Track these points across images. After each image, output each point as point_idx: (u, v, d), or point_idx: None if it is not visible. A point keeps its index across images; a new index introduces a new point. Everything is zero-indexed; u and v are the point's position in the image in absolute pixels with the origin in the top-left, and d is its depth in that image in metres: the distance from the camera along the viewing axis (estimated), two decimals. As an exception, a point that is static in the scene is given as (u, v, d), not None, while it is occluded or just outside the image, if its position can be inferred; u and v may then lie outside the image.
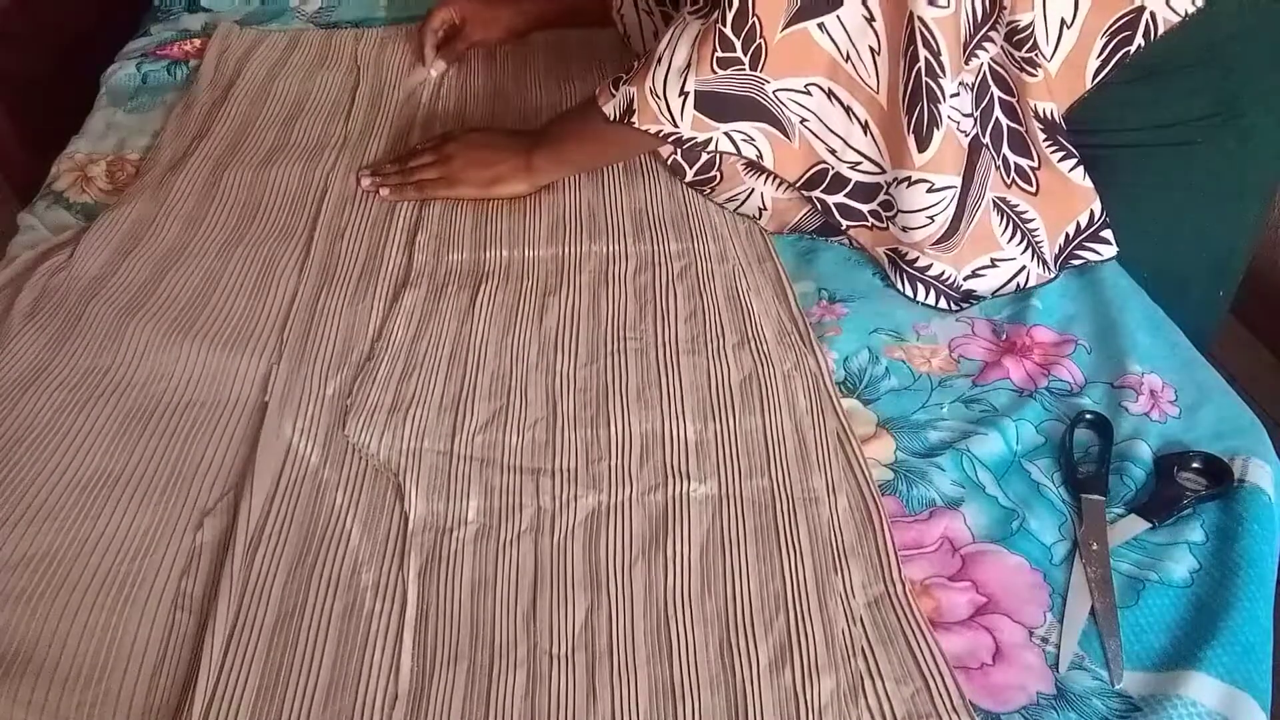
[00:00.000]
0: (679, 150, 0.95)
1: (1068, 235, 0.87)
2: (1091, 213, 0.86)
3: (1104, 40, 0.81)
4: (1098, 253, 0.87)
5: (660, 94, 0.83)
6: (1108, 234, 0.86)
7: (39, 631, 0.62)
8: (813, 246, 0.95)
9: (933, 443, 0.75)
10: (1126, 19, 0.80)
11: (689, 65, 0.82)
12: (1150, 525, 0.69)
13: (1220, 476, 0.71)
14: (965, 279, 0.86)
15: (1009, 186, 0.86)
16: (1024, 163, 0.85)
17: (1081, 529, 0.68)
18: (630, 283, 0.89)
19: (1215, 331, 1.01)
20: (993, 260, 0.86)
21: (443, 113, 1.14)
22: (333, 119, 1.12)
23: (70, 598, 0.64)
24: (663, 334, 0.83)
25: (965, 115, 0.81)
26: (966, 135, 0.81)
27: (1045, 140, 0.83)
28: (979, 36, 0.79)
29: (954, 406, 0.78)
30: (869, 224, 0.88)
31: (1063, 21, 0.80)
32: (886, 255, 0.89)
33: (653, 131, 0.86)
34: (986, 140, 0.83)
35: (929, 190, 0.80)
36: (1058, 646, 0.62)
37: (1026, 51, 0.79)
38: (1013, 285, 0.87)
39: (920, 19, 0.75)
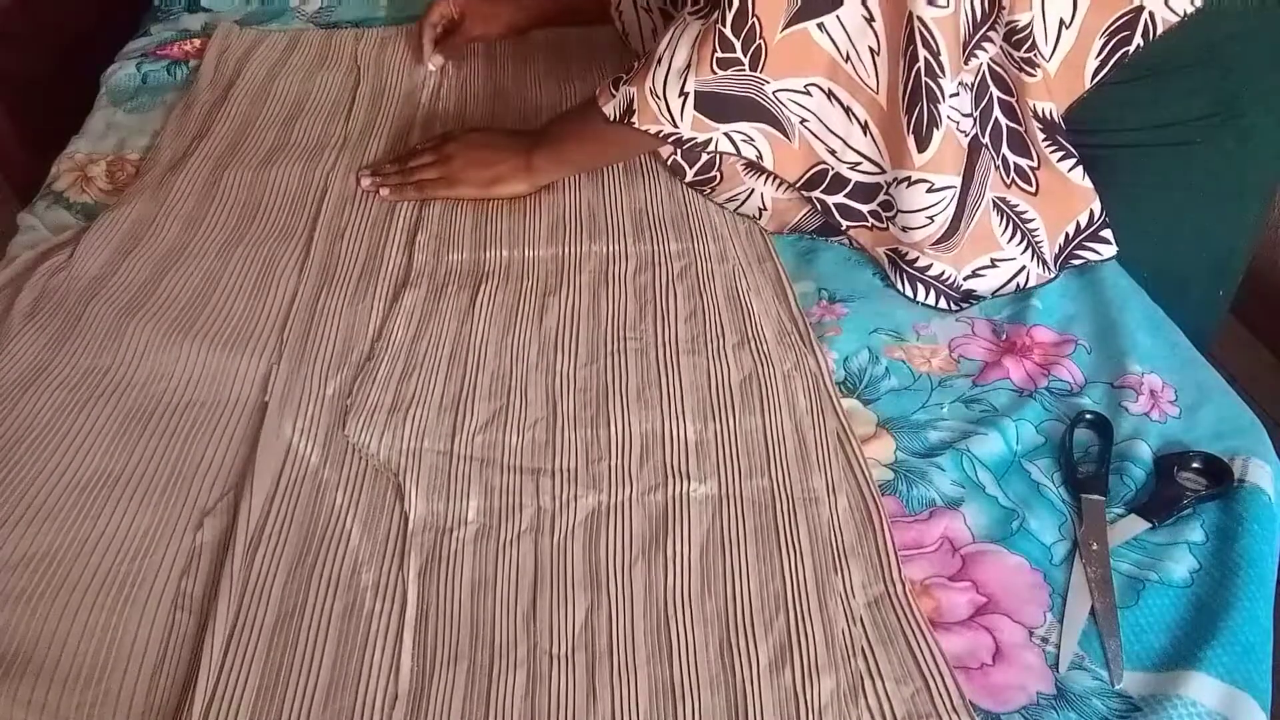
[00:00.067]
0: (679, 150, 0.95)
1: (1067, 235, 0.87)
2: (1091, 212, 0.86)
3: (1103, 40, 0.81)
4: (1097, 252, 0.87)
5: (660, 94, 0.83)
6: (1107, 233, 0.86)
7: (39, 631, 0.62)
8: (813, 246, 0.95)
9: (933, 443, 0.75)
10: (1125, 19, 0.80)
11: (689, 66, 0.82)
12: (1150, 525, 0.69)
13: (1220, 476, 0.71)
14: (965, 279, 0.86)
15: (1009, 186, 0.86)
16: (1023, 163, 0.85)
17: (1081, 529, 0.68)
18: (630, 283, 0.89)
19: (1215, 331, 1.01)
20: (993, 260, 0.86)
21: (443, 113, 1.14)
22: (333, 119, 1.12)
23: (70, 598, 0.64)
24: (663, 334, 0.83)
25: (965, 115, 0.81)
26: (966, 135, 0.81)
27: (1045, 140, 0.83)
28: (978, 36, 0.79)
29: (954, 406, 0.78)
30: (869, 224, 0.88)
31: (1061, 21, 0.80)
32: (886, 255, 0.89)
33: (653, 132, 0.86)
34: (986, 140, 0.83)
35: (929, 190, 0.80)
36: (1058, 646, 0.62)
37: (1025, 51, 0.79)
38: (1013, 285, 0.87)
39: (920, 19, 0.75)
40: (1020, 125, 0.84)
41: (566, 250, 0.93)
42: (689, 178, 0.97)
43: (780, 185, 0.92)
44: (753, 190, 0.94)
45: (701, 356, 0.81)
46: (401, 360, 0.81)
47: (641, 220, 0.96)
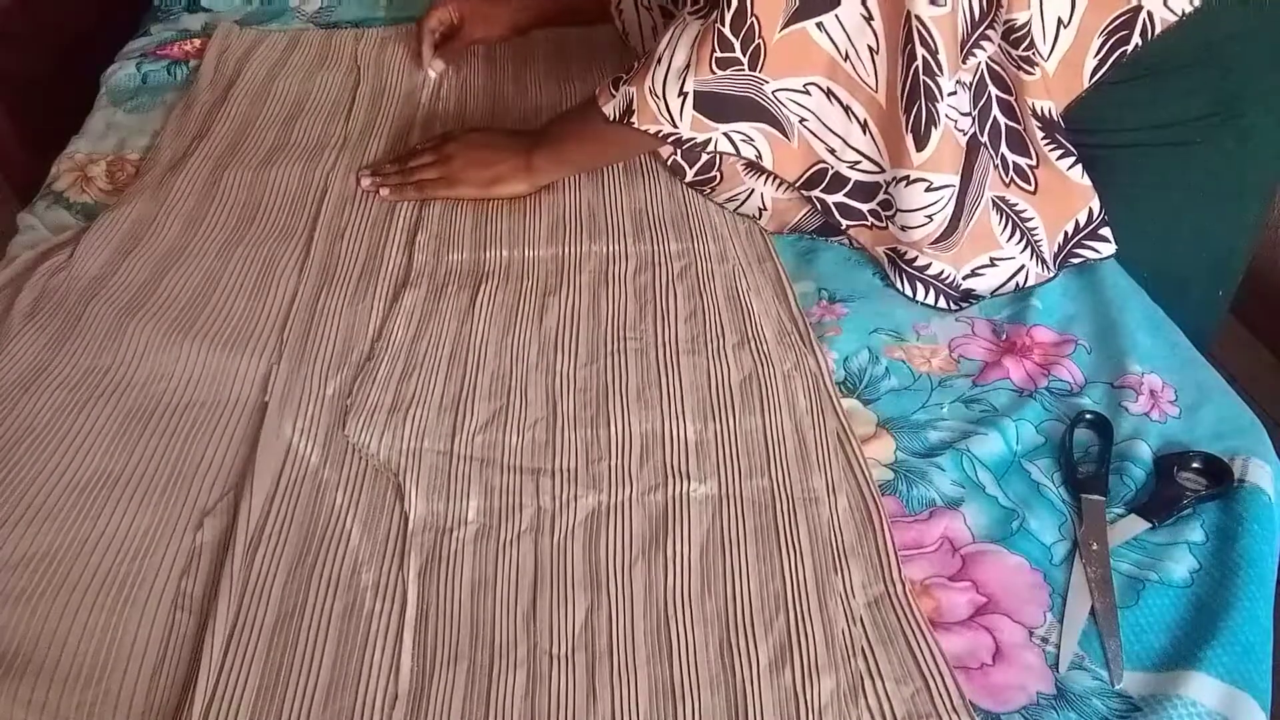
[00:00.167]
0: (679, 150, 0.95)
1: (1066, 234, 0.87)
2: (1090, 210, 0.86)
3: (1101, 39, 0.81)
4: (1097, 251, 0.87)
5: (660, 94, 0.84)
6: (1106, 232, 0.86)
7: (39, 631, 0.62)
8: (813, 246, 0.95)
9: (933, 443, 0.75)
10: (1123, 18, 0.80)
11: (688, 65, 0.82)
12: (1150, 525, 0.69)
13: (1220, 476, 0.71)
14: (964, 278, 0.86)
15: (1008, 185, 0.86)
16: (1022, 161, 0.85)
17: (1081, 529, 0.68)
18: (630, 283, 0.89)
19: (1215, 331, 1.01)
20: (992, 259, 0.86)
21: (443, 113, 1.14)
22: (333, 119, 1.12)
23: (70, 598, 0.64)
24: (663, 334, 0.83)
25: (963, 114, 0.81)
26: (964, 134, 0.81)
27: (1043, 138, 0.83)
28: (976, 35, 0.79)
29: (954, 406, 0.78)
30: (869, 223, 0.88)
31: (1060, 20, 0.80)
32: (886, 254, 0.89)
33: (652, 132, 0.86)
34: (985, 139, 0.83)
35: (927, 189, 0.80)
36: (1058, 646, 0.62)
37: (1024, 50, 0.79)
38: (1012, 284, 0.87)
39: (918, 18, 0.75)
40: (1019, 124, 0.84)
41: (566, 250, 0.93)
42: (689, 178, 0.97)
43: (780, 185, 0.92)
44: (753, 190, 0.94)
45: (701, 356, 0.81)
46: (401, 360, 0.81)
47: (641, 220, 0.96)
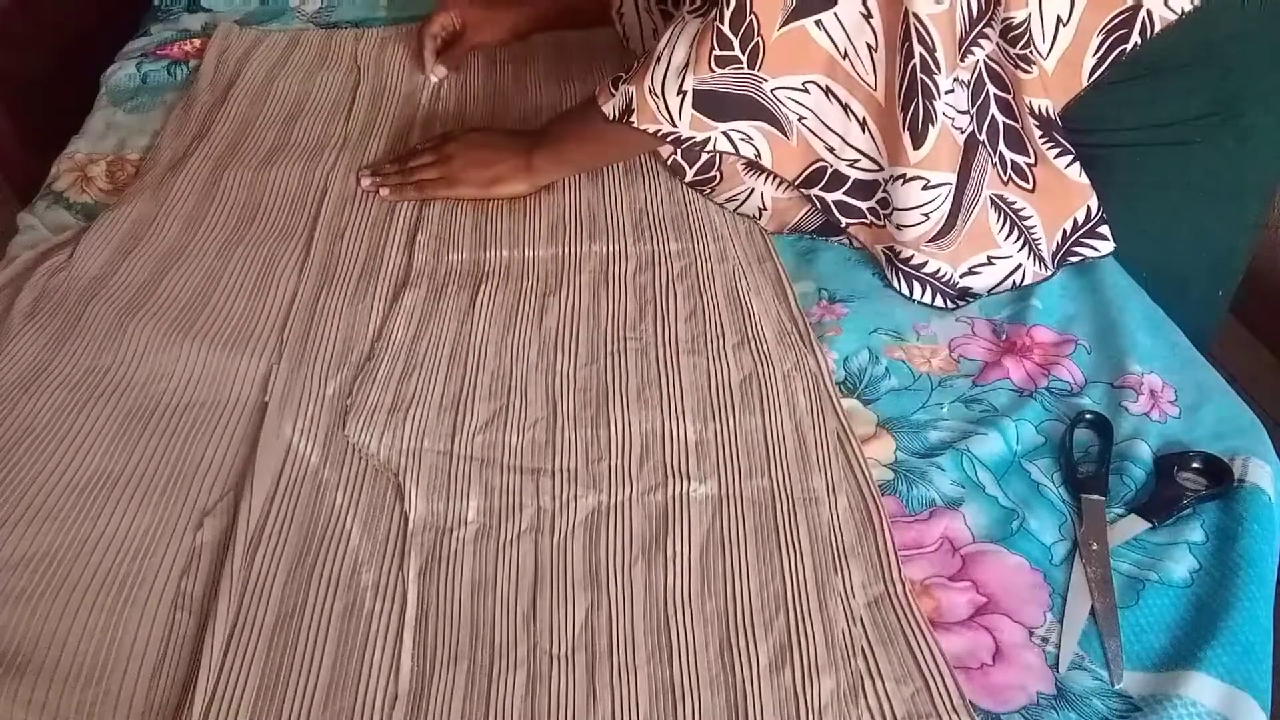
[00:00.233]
0: (679, 150, 0.95)
1: (1065, 232, 0.87)
2: (1089, 209, 0.85)
3: (1100, 38, 0.81)
4: (1095, 249, 0.87)
5: (659, 93, 0.84)
6: (1105, 230, 0.86)
7: (39, 631, 0.62)
8: (813, 246, 0.95)
9: (933, 443, 0.75)
10: (1123, 17, 0.80)
11: (687, 64, 0.82)
12: (1150, 525, 0.68)
13: (1220, 476, 0.71)
14: (961, 276, 0.86)
15: (1006, 184, 0.86)
16: (1021, 160, 0.85)
17: (1081, 529, 0.68)
18: (630, 283, 0.89)
19: (1215, 331, 1.01)
20: (989, 258, 0.86)
21: (443, 113, 1.14)
22: (333, 119, 1.12)
23: (70, 598, 0.64)
24: (663, 334, 0.83)
25: (961, 112, 0.81)
26: (962, 132, 0.81)
27: (1041, 137, 0.83)
28: (974, 33, 0.79)
29: (954, 406, 0.78)
30: (868, 221, 0.88)
31: (1059, 19, 0.80)
32: (883, 253, 0.89)
33: (651, 131, 0.86)
34: (983, 137, 0.83)
35: (924, 187, 0.80)
36: (1058, 646, 0.62)
37: (1022, 48, 0.79)
38: (1009, 283, 0.87)
39: (915, 15, 0.75)
40: (1017, 122, 0.84)
41: (566, 250, 0.93)
42: (689, 177, 0.97)
43: (780, 185, 0.92)
44: (752, 190, 0.94)
45: (701, 356, 0.81)
46: (401, 360, 0.81)
47: (641, 220, 0.96)
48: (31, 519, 0.69)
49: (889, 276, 0.89)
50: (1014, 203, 0.86)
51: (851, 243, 0.93)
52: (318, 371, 0.80)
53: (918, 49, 0.76)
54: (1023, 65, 0.80)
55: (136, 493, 0.71)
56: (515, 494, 0.71)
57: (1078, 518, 0.69)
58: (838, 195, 0.87)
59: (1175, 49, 0.81)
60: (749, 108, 0.83)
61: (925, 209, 0.81)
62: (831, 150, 0.85)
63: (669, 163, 0.97)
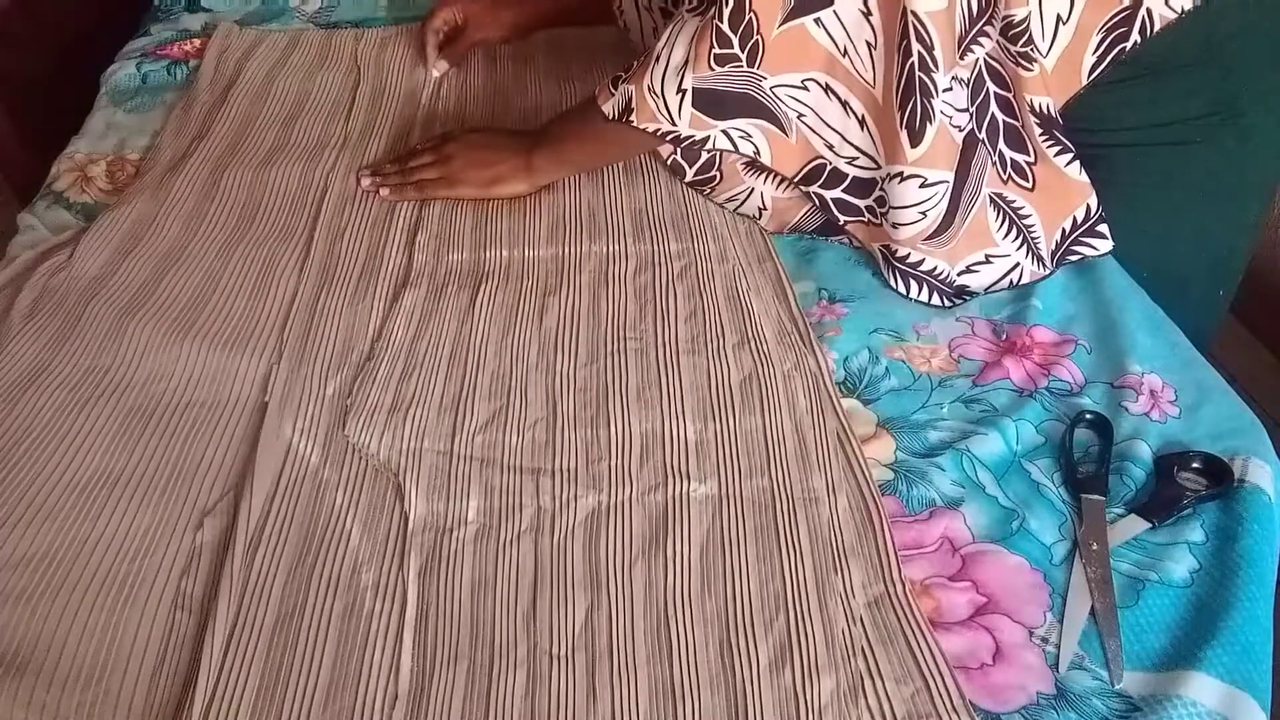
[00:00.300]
0: (679, 150, 0.95)
1: (1064, 230, 0.87)
2: (1088, 207, 0.85)
3: (1100, 36, 0.81)
4: (1094, 248, 0.87)
5: (659, 92, 0.84)
6: (1104, 229, 0.86)
7: (39, 631, 0.62)
8: (813, 246, 0.95)
9: (933, 443, 0.75)
10: (1123, 15, 0.80)
11: (687, 62, 0.82)
12: (1150, 525, 0.68)
13: (1220, 476, 0.71)
14: (959, 274, 0.86)
15: (1005, 182, 0.86)
16: (1020, 158, 0.85)
17: (1081, 529, 0.68)
18: (630, 283, 0.89)
19: (1215, 331, 1.01)
20: (987, 256, 0.86)
21: (443, 113, 1.14)
22: (333, 119, 1.12)
23: (70, 598, 0.64)
24: (663, 334, 0.83)
25: (960, 110, 0.81)
26: (961, 130, 0.81)
27: (1041, 135, 0.83)
28: (974, 31, 0.79)
29: (954, 406, 0.78)
30: (865, 219, 0.88)
31: (1059, 17, 0.80)
32: (880, 251, 0.89)
33: (651, 130, 0.86)
34: (983, 136, 0.83)
35: (921, 185, 0.80)
36: (1058, 646, 0.62)
37: (1022, 46, 0.79)
38: (1006, 281, 0.87)
39: (914, 13, 0.75)
40: (1017, 120, 0.84)
41: (566, 250, 0.93)
42: (689, 177, 0.97)
43: (780, 184, 0.92)
44: (752, 190, 0.94)
45: (701, 356, 0.81)
46: (401, 360, 0.81)
47: (641, 220, 0.96)
48: (31, 519, 0.69)
49: (885, 274, 0.89)
50: (1013, 201, 0.86)
51: (851, 242, 0.93)
52: (318, 371, 0.80)
53: (916, 47, 0.76)
54: (1023, 63, 0.80)
55: (136, 493, 0.71)
56: (515, 494, 0.71)
57: (1078, 518, 0.69)
58: (836, 193, 0.87)
59: (1176, 48, 0.81)
60: (748, 106, 0.83)
61: (922, 207, 0.81)
62: (831, 147, 0.85)
63: (669, 162, 0.97)
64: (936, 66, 0.76)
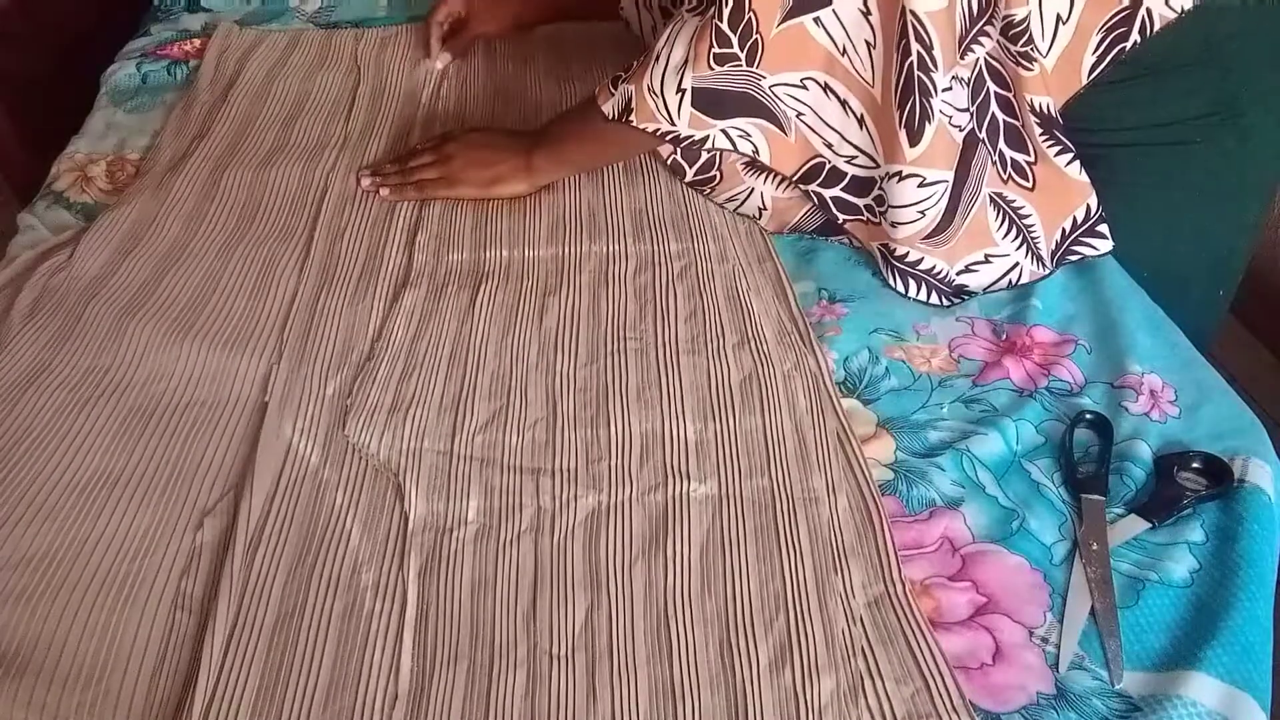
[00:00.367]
0: (679, 150, 0.95)
1: (1064, 230, 0.87)
2: (1088, 207, 0.85)
3: (1100, 36, 0.81)
4: (1094, 248, 0.87)
5: (658, 92, 0.84)
6: (1104, 229, 0.86)
7: (39, 631, 0.62)
8: (813, 246, 0.95)
9: (933, 443, 0.75)
10: (1122, 15, 0.80)
11: (686, 62, 0.82)
12: (1150, 525, 0.68)
13: (1220, 476, 0.71)
14: (958, 274, 0.86)
15: (1005, 182, 0.86)
16: (1020, 158, 0.85)
17: (1081, 529, 0.68)
18: (630, 283, 0.89)
19: (1215, 331, 1.01)
20: (986, 256, 0.86)
21: (443, 113, 1.14)
22: (333, 119, 1.12)
23: (70, 598, 0.64)
24: (663, 334, 0.83)
25: (959, 110, 0.81)
26: (961, 130, 0.81)
27: (1042, 135, 0.83)
28: (974, 31, 0.79)
29: (954, 406, 0.78)
30: (864, 218, 0.88)
31: (1059, 17, 0.80)
32: (879, 250, 0.89)
33: (651, 130, 0.86)
34: (983, 135, 0.83)
35: (920, 185, 0.80)
36: (1058, 646, 0.62)
37: (1022, 46, 0.79)
38: (1005, 281, 0.87)
39: (913, 13, 0.75)
40: (1018, 120, 0.84)
41: (566, 250, 0.93)
42: (689, 177, 0.97)
43: (780, 184, 0.92)
44: (752, 190, 0.94)
45: (701, 356, 0.81)
46: (401, 360, 0.81)
47: (641, 220, 0.96)
48: (31, 519, 0.69)
49: (884, 273, 0.89)
50: (1013, 201, 0.86)
51: (851, 242, 0.93)
52: (318, 371, 0.80)
53: (915, 46, 0.76)
54: (1023, 63, 0.80)
55: (136, 493, 0.71)
56: (515, 494, 0.71)
57: (1078, 518, 0.69)
58: (835, 191, 0.87)
59: (1175, 49, 0.81)
60: (748, 105, 0.84)
61: (920, 206, 0.81)
62: (830, 146, 0.85)
63: (669, 162, 0.98)
64: (936, 66, 0.76)
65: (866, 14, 0.78)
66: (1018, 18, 0.78)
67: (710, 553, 0.67)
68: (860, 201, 0.87)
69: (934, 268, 0.86)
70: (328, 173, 1.03)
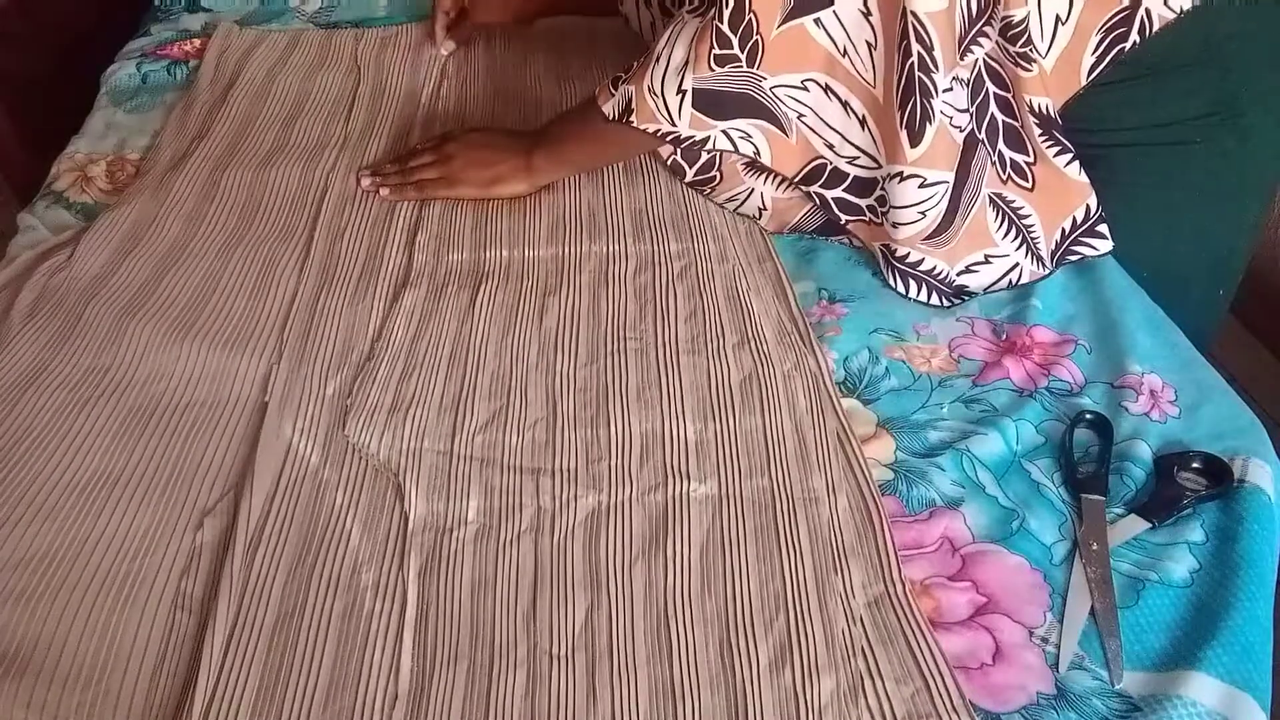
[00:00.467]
0: (679, 150, 0.95)
1: (1063, 231, 0.87)
2: (1088, 207, 0.85)
3: (1099, 37, 0.81)
4: (1094, 248, 0.87)
5: (659, 92, 0.84)
6: (1104, 229, 0.86)
7: (39, 631, 0.62)
8: (813, 246, 0.95)
9: (933, 443, 0.75)
10: (1122, 15, 0.80)
11: (687, 63, 0.82)
12: (1150, 525, 0.69)
13: (1220, 476, 0.71)
14: (958, 274, 0.86)
15: (1005, 182, 0.86)
16: (1020, 158, 0.85)
17: (1081, 529, 0.68)
18: (630, 283, 0.89)
19: (1215, 331, 1.01)
20: (986, 256, 0.86)
21: (443, 113, 1.14)
22: (333, 119, 1.12)
23: (70, 598, 0.64)
24: (663, 334, 0.83)
25: (960, 110, 0.81)
26: (961, 131, 0.81)
27: (1041, 135, 0.83)
28: (974, 31, 0.79)
29: (954, 406, 0.78)
30: (866, 218, 0.88)
31: (1058, 18, 0.80)
32: (880, 250, 0.89)
33: (651, 130, 0.86)
34: (982, 136, 0.83)
35: (920, 185, 0.80)
36: (1058, 646, 0.62)
37: (1021, 46, 0.79)
38: (1005, 281, 0.87)
39: (913, 13, 0.75)
40: (1017, 120, 0.84)
41: (566, 250, 0.93)
42: (689, 177, 0.97)
43: (780, 184, 0.92)
44: (753, 190, 0.94)
45: (701, 356, 0.81)
46: (401, 360, 0.81)
47: (641, 220, 0.96)
48: (31, 519, 0.69)
49: (884, 273, 0.89)
50: (1013, 201, 0.86)
51: (851, 242, 0.93)
52: (318, 371, 0.80)
53: (915, 47, 0.76)
54: (1023, 63, 0.80)
55: (136, 493, 0.71)
56: (515, 494, 0.71)
57: (1078, 518, 0.70)
58: (837, 192, 0.87)
59: (1175, 49, 0.81)
60: (748, 106, 0.84)
61: (921, 207, 0.81)
62: (831, 147, 0.85)
63: (669, 163, 0.97)
64: (936, 67, 0.76)
65: (867, 15, 0.78)
66: (1016, 18, 0.78)
67: (710, 553, 0.67)
68: (863, 202, 0.87)
69: (934, 269, 0.86)
70: (328, 173, 1.03)
